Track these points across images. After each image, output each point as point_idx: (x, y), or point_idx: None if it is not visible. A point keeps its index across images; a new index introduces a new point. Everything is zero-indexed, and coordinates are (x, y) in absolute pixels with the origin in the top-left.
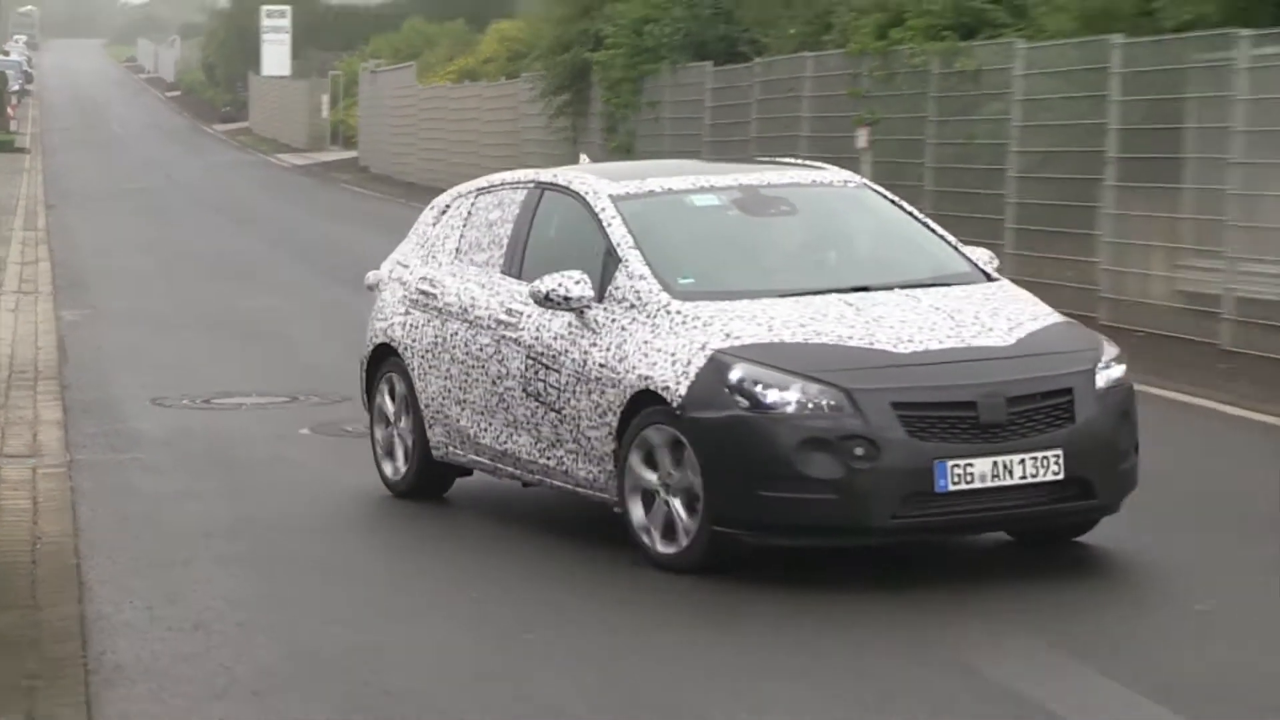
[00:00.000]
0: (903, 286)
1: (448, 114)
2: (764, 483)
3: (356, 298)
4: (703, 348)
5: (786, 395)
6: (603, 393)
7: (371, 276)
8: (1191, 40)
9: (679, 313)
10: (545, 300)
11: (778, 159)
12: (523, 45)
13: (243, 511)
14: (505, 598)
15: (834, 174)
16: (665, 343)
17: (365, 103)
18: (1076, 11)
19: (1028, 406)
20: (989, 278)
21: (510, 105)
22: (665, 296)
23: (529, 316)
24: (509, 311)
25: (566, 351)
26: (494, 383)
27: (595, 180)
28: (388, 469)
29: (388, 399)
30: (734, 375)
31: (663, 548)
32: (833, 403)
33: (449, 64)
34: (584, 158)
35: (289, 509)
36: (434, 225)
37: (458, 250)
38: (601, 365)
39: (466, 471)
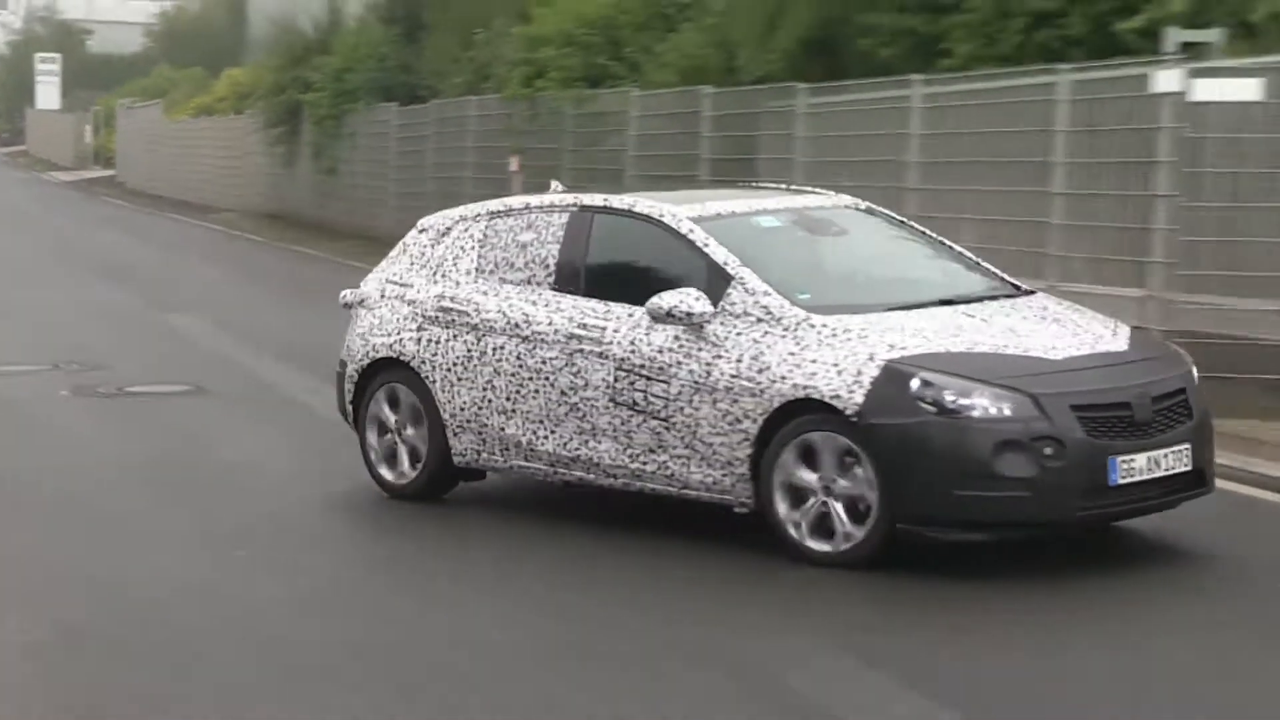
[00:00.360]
0: (976, 300)
1: (188, 141)
2: (958, 482)
3: (115, 288)
4: (870, 358)
5: (974, 400)
6: (735, 401)
7: (350, 295)
8: (763, 91)
9: (825, 326)
10: (666, 316)
11: (759, 184)
12: (248, 87)
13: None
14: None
15: (844, 198)
16: (820, 354)
17: (122, 132)
18: (676, 68)
19: (1165, 405)
20: (1022, 290)
21: (239, 136)
22: (800, 311)
23: (615, 331)
24: (583, 326)
25: (680, 364)
26: (564, 393)
27: (662, 204)
28: (387, 473)
29: (386, 408)
30: (915, 384)
31: (813, 543)
32: (1020, 407)
33: (189, 102)
34: (555, 184)
35: (49, 459)
36: (434, 246)
37: (478, 270)
38: (734, 376)
39: (479, 475)
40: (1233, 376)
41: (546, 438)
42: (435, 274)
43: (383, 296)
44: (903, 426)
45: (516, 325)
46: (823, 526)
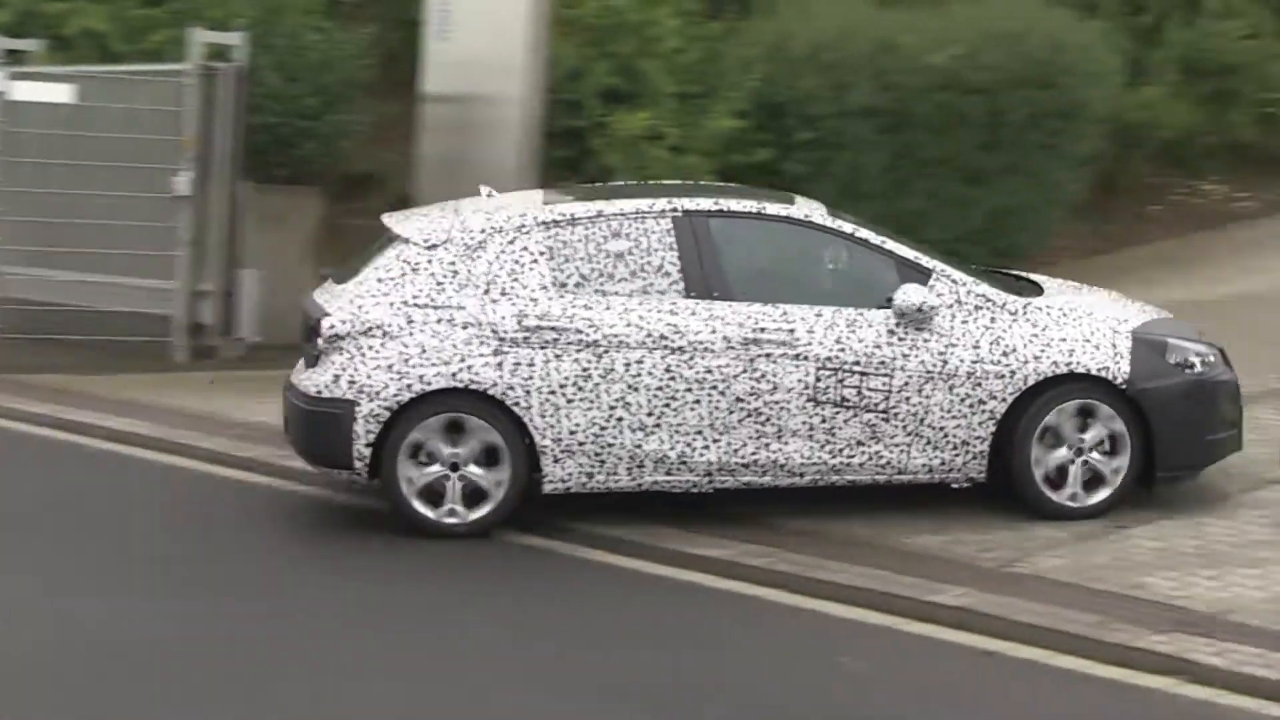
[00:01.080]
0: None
1: None
2: (1210, 430)
3: None
4: (1115, 331)
5: (1204, 359)
6: (978, 385)
7: (341, 325)
8: None
9: (1049, 308)
10: (916, 313)
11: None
12: None
13: None
14: None
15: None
16: (1065, 333)
17: None
18: None
19: None
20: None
21: None
22: (1014, 297)
23: (809, 332)
24: (763, 330)
25: (905, 356)
26: (739, 400)
27: (781, 206)
28: (429, 511)
29: (441, 444)
30: (1170, 349)
31: (1086, 497)
32: (1220, 359)
33: None
34: (486, 189)
35: None
36: (468, 262)
37: (556, 284)
38: (975, 361)
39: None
40: (49, 338)
41: (707, 448)
42: (491, 292)
43: (410, 322)
44: (1168, 388)
45: (663, 337)
46: (1089, 483)
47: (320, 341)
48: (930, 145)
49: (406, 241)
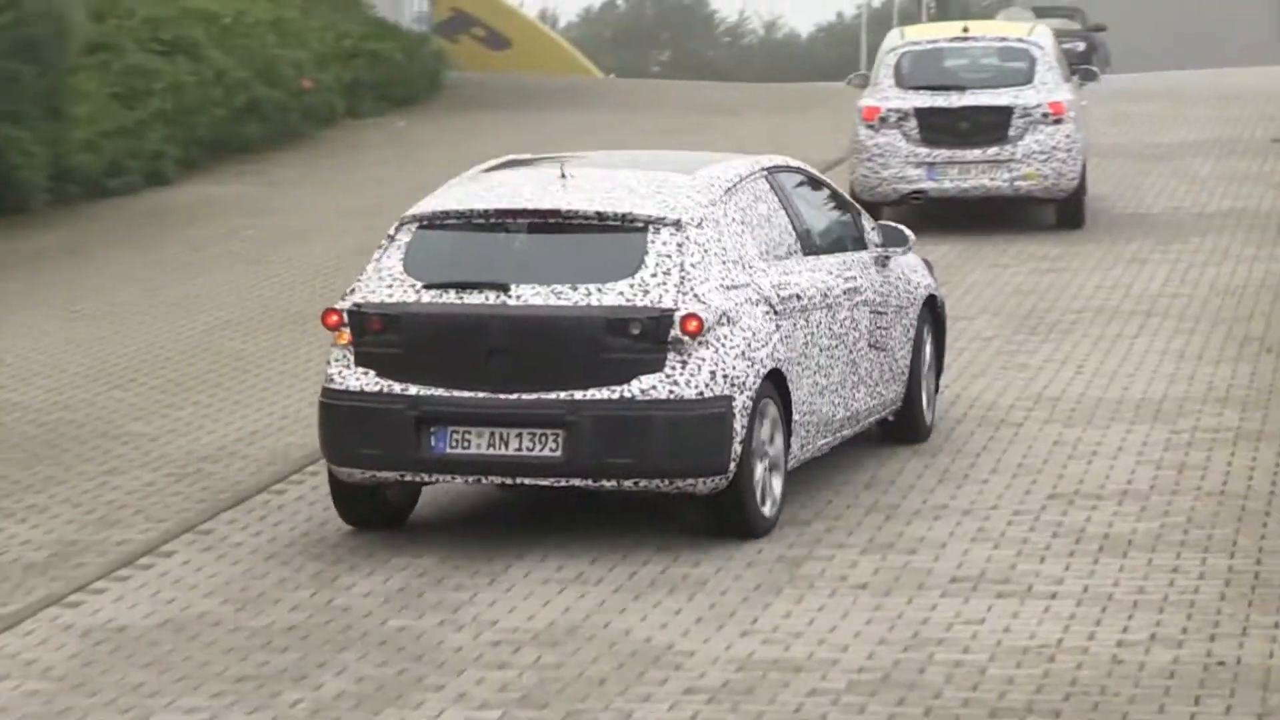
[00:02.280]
0: None
1: None
2: None
3: None
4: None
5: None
6: (906, 314)
7: (710, 315)
8: None
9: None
10: (895, 249)
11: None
12: None
13: None
14: None
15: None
16: (912, 261)
17: None
18: None
19: None
20: None
21: None
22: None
23: (860, 278)
24: (849, 280)
25: (889, 294)
26: (850, 350)
27: (780, 158)
28: (766, 509)
29: (764, 432)
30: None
31: None
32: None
33: None
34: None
35: None
36: (721, 237)
37: (764, 252)
38: (904, 292)
39: None
40: None
41: (839, 405)
42: (745, 265)
43: (736, 306)
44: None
45: (824, 295)
46: None
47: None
48: None
49: (662, 222)
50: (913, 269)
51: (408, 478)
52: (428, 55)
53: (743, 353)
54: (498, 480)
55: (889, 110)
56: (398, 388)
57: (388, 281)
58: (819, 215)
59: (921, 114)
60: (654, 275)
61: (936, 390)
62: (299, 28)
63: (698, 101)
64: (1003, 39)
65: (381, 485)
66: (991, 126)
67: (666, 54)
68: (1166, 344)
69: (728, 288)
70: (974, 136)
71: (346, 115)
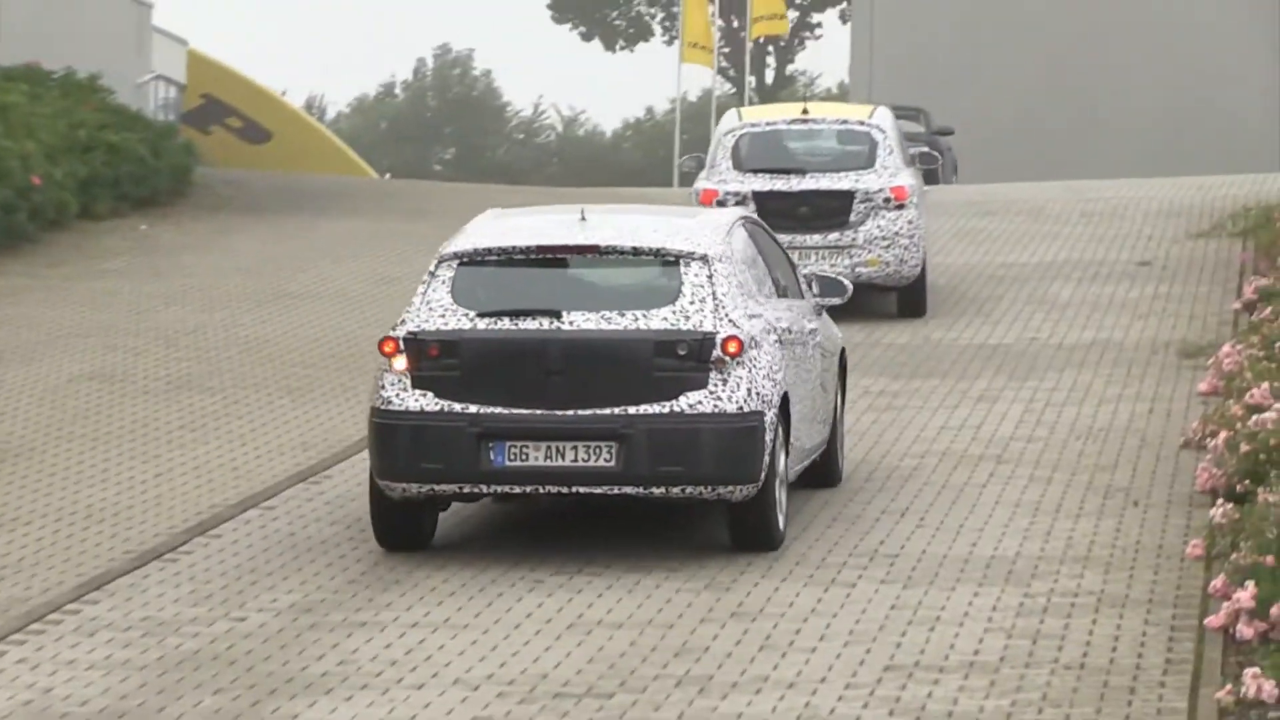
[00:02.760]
0: None
1: None
2: None
3: None
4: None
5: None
6: (832, 359)
7: (745, 336)
8: None
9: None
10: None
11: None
12: None
13: None
14: None
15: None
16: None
17: None
18: None
19: None
20: None
21: None
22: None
23: (813, 323)
24: (809, 321)
25: (820, 336)
26: (812, 386)
27: None
28: (781, 523)
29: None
30: None
31: None
32: None
33: None
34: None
35: None
36: (734, 272)
37: (757, 291)
38: (828, 339)
39: None
40: None
41: (808, 436)
42: (753, 299)
43: (759, 333)
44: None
45: (798, 333)
46: None
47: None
48: None
49: (692, 256)
50: (829, 321)
51: (467, 489)
52: (175, 149)
53: (768, 374)
54: (554, 490)
55: (727, 194)
56: (458, 407)
57: (439, 312)
58: (779, 263)
59: (760, 197)
60: (691, 303)
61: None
62: (26, 115)
63: (487, 207)
64: (843, 121)
65: (436, 499)
66: (832, 211)
67: (451, 151)
68: (1020, 495)
69: (750, 316)
70: (814, 221)
71: (80, 216)
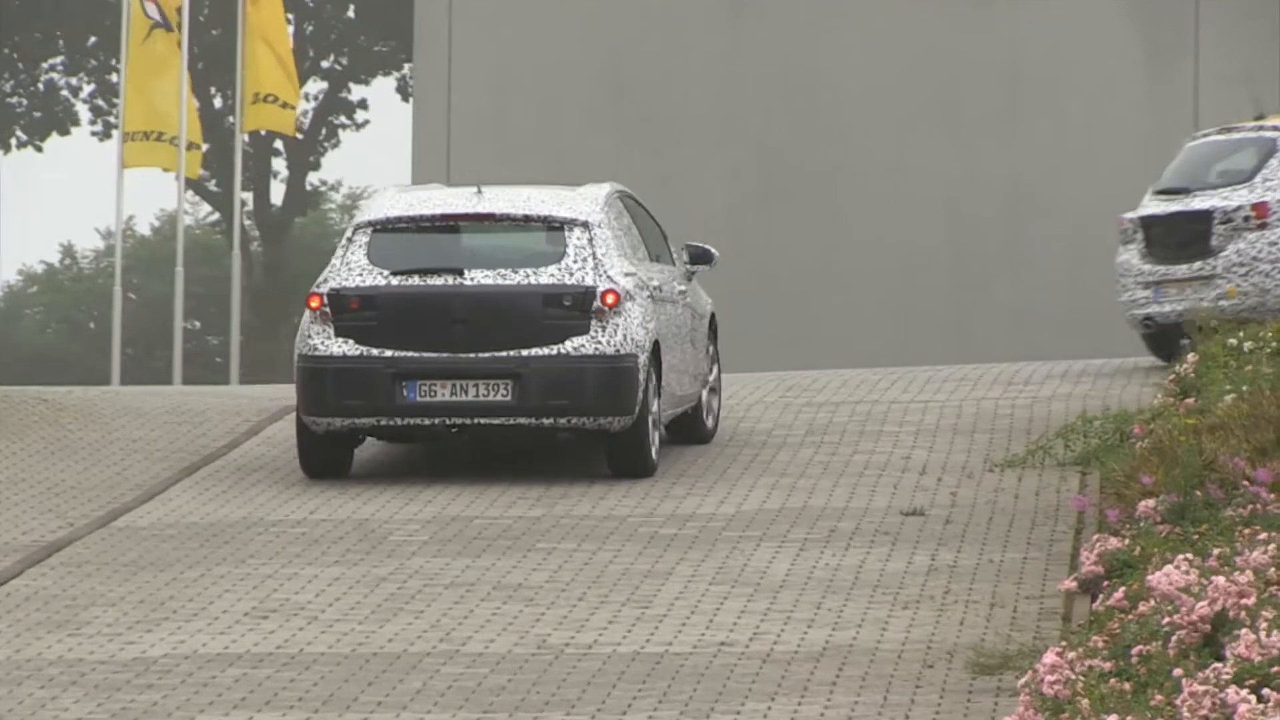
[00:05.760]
0: None
1: None
2: None
3: None
4: None
5: None
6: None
7: (622, 290)
8: None
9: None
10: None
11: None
12: None
13: None
14: None
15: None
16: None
17: None
18: None
19: None
20: None
21: None
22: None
23: (682, 285)
24: (678, 283)
25: (697, 301)
26: (682, 341)
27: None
28: (654, 454)
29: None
30: None
31: None
32: None
33: None
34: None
35: None
36: (614, 236)
37: (633, 253)
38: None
39: None
40: None
41: (679, 384)
42: (629, 260)
43: (634, 288)
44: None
45: (668, 293)
46: None
47: None
48: None
49: (574, 222)
50: (698, 288)
51: (384, 423)
52: None
53: (640, 324)
54: (459, 421)
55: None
56: (375, 351)
57: (357, 271)
58: (650, 231)
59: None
60: (575, 262)
61: (719, 404)
62: None
63: None
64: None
65: (356, 432)
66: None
67: None
68: None
69: (625, 274)
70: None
71: None
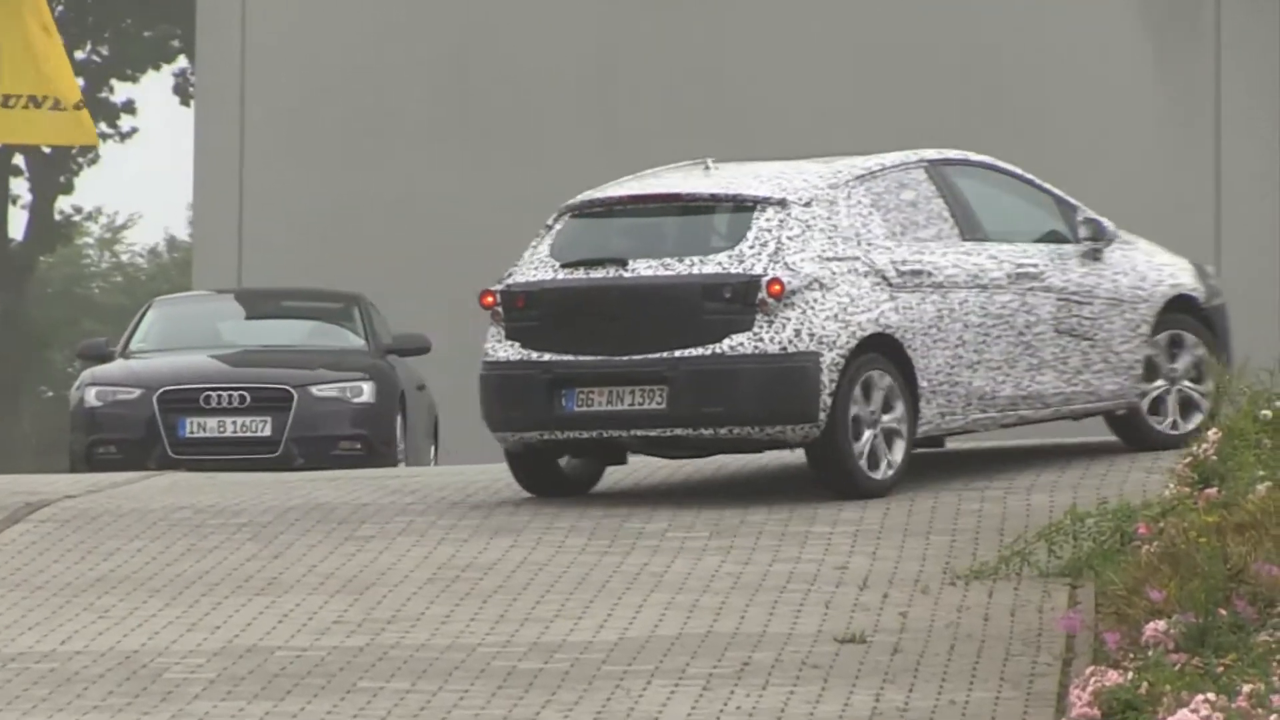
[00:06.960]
0: None
1: None
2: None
3: None
4: (1175, 260)
5: None
6: (1134, 309)
7: (790, 279)
8: None
9: (1137, 240)
10: (1109, 243)
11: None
12: None
13: None
14: None
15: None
16: (1162, 259)
17: None
18: None
19: None
20: None
21: None
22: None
23: (1048, 265)
24: (1021, 266)
25: (1097, 284)
26: (1019, 332)
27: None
28: (875, 473)
29: (864, 402)
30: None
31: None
32: None
33: None
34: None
35: None
36: (830, 218)
37: (892, 234)
38: (1131, 287)
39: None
40: None
41: (1008, 382)
42: (861, 242)
43: (834, 275)
44: (1224, 306)
45: (975, 276)
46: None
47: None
48: None
49: (768, 201)
50: (1155, 267)
51: (545, 436)
52: None
53: (836, 315)
54: (614, 433)
55: None
56: (535, 356)
57: (534, 264)
58: (997, 206)
59: None
60: (751, 247)
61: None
62: None
63: None
64: None
65: (534, 447)
66: None
67: None
68: None
69: (826, 259)
70: None
71: None
